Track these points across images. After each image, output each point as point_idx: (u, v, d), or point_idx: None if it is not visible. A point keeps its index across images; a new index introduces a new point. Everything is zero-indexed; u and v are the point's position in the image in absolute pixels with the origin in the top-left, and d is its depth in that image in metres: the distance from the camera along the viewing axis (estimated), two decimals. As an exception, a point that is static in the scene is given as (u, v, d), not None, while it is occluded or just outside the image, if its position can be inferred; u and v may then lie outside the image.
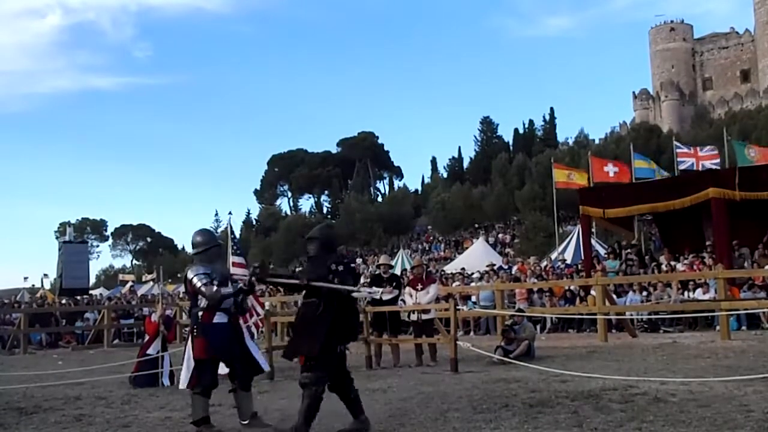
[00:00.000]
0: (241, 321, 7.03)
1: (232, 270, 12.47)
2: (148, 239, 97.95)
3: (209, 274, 6.48)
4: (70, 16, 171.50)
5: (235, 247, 12.72)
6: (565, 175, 28.75)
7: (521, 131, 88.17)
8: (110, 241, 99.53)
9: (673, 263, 18.13)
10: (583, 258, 20.17)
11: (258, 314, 11.86)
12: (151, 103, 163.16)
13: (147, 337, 11.15)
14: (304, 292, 6.25)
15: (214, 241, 6.84)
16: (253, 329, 11.90)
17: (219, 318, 6.44)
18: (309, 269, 6.26)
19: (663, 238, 21.42)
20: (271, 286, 33.80)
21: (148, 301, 25.41)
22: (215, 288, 6.40)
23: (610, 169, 26.68)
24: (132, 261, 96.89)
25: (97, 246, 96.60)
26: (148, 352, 10.53)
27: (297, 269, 13.54)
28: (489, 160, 76.25)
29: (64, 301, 29.83)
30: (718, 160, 27.41)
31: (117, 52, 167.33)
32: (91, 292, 36.94)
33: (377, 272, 13.34)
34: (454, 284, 21.33)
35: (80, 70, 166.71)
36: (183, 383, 6.59)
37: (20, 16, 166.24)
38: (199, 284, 6.43)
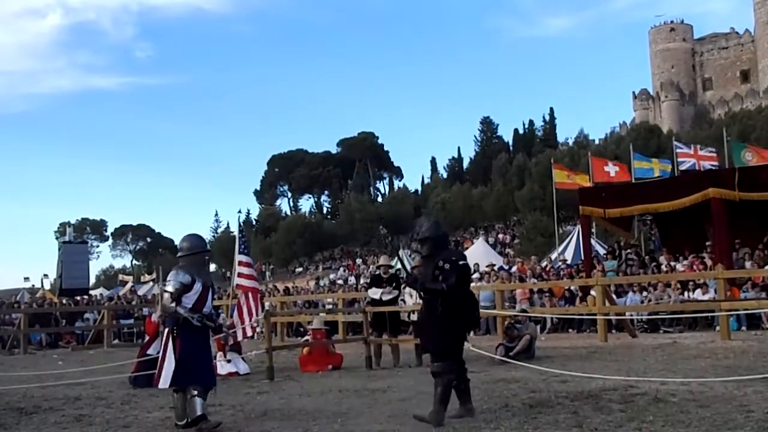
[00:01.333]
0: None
1: (238, 269, 12.47)
2: (148, 239, 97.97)
3: (187, 285, 6.49)
4: (71, 16, 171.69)
5: (242, 246, 12.69)
6: (565, 176, 28.74)
7: (521, 131, 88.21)
8: (110, 241, 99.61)
9: (673, 263, 18.12)
10: (583, 258, 20.16)
11: (256, 316, 11.80)
12: (151, 103, 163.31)
13: (147, 337, 11.15)
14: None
15: (199, 248, 6.80)
16: (240, 334, 11.83)
17: (198, 320, 6.50)
18: (424, 269, 6.51)
19: (663, 238, 21.40)
20: (273, 288, 33.82)
21: (148, 301, 25.39)
22: (173, 303, 6.45)
23: (611, 168, 26.67)
24: (132, 261, 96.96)
25: (97, 246, 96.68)
26: (148, 352, 10.52)
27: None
28: (489, 160, 76.33)
29: (64, 302, 29.80)
30: (717, 163, 27.45)
31: (118, 52, 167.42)
32: (91, 292, 36.92)
33: (377, 272, 13.33)
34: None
35: (81, 70, 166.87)
36: (165, 383, 6.55)
37: (21, 16, 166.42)
38: (168, 289, 6.53)
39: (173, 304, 6.46)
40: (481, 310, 17.32)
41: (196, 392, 6.35)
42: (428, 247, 6.47)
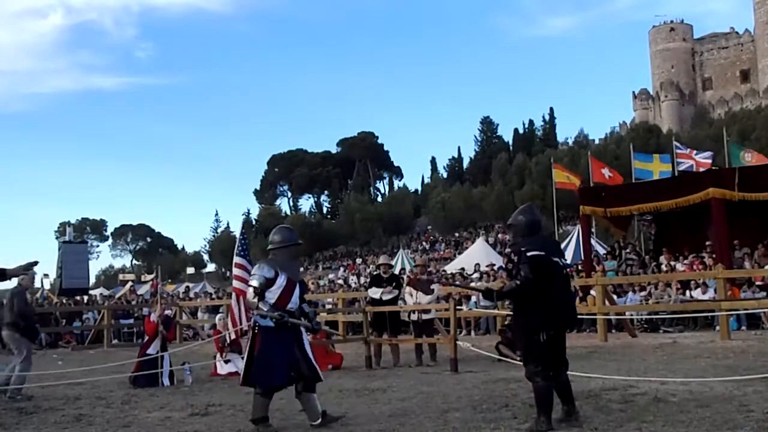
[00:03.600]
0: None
1: (234, 271, 12.44)
2: (148, 239, 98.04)
3: (270, 279, 6.31)
4: (72, 16, 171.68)
5: (240, 248, 12.67)
6: (564, 176, 28.75)
7: (521, 131, 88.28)
8: (110, 241, 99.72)
9: (673, 263, 18.12)
10: (583, 258, 20.14)
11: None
12: (152, 103, 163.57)
13: (147, 337, 11.14)
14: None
15: (290, 241, 6.61)
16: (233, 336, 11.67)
17: (273, 320, 6.27)
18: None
19: (663, 238, 21.39)
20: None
21: (151, 300, 25.37)
22: (256, 299, 6.29)
23: (606, 173, 26.67)
24: (132, 261, 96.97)
25: (97, 246, 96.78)
26: (148, 352, 10.53)
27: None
28: (489, 160, 76.38)
29: (64, 301, 29.78)
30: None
31: (119, 52, 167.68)
32: (90, 292, 36.92)
33: (377, 272, 13.33)
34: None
35: (82, 70, 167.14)
36: (240, 379, 6.51)
37: (22, 15, 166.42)
38: (253, 284, 6.36)
39: (255, 299, 6.29)
40: (480, 310, 17.50)
41: (260, 392, 6.22)
42: (512, 234, 6.14)
